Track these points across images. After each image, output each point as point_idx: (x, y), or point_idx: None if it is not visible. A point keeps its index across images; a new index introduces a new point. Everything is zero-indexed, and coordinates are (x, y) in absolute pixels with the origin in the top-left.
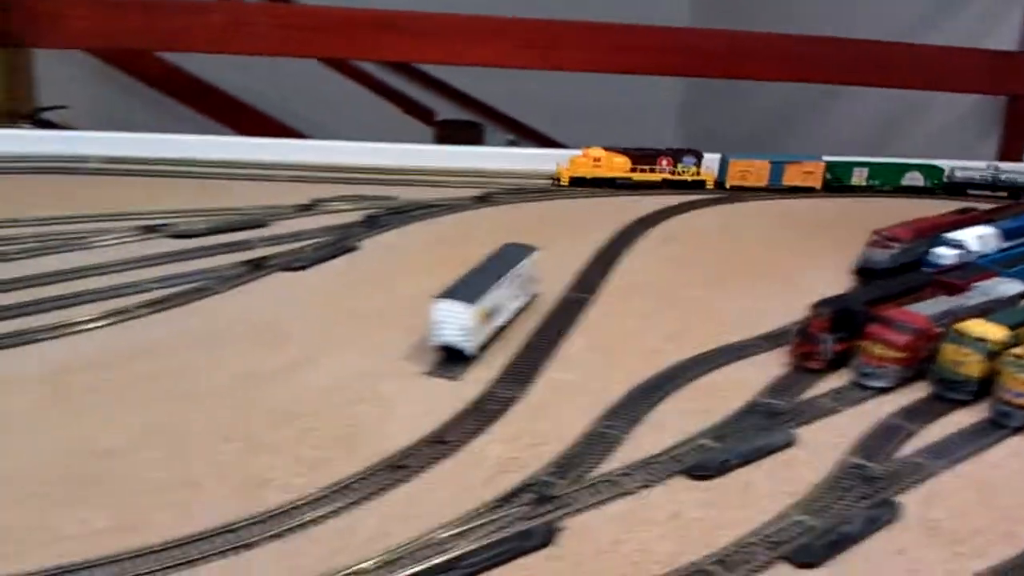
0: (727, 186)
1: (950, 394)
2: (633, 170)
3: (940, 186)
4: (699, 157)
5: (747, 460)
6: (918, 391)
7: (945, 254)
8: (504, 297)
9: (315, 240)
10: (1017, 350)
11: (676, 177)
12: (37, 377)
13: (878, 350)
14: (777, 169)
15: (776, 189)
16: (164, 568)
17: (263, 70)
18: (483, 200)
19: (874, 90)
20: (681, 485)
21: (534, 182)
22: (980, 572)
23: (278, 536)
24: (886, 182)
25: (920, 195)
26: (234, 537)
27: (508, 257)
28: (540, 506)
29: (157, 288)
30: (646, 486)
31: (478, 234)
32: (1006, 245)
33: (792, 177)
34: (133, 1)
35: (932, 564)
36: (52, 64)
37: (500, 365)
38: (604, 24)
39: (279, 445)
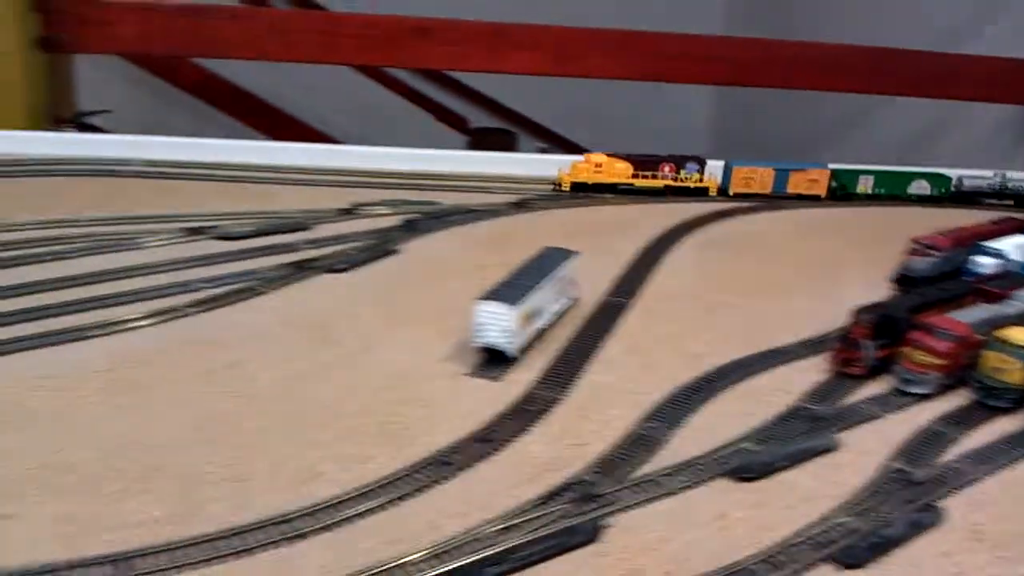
0: (730, 193)
1: (991, 401)
2: (635, 176)
3: (947, 195)
4: (702, 164)
5: (790, 463)
6: (959, 398)
7: (985, 263)
8: (545, 300)
9: (357, 243)
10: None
11: (679, 184)
12: (93, 372)
13: (920, 357)
14: (781, 176)
15: (781, 196)
16: (221, 556)
17: (296, 77)
18: (520, 206)
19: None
20: (725, 486)
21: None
22: None
23: (329, 527)
24: (892, 191)
25: (927, 204)
26: (288, 527)
27: (549, 261)
28: (584, 504)
29: (205, 288)
30: (690, 487)
31: (516, 238)
32: None
33: (796, 185)
34: (178, 8)
35: (976, 568)
36: (85, 69)
37: (541, 367)
38: (638, 32)
39: (328, 441)
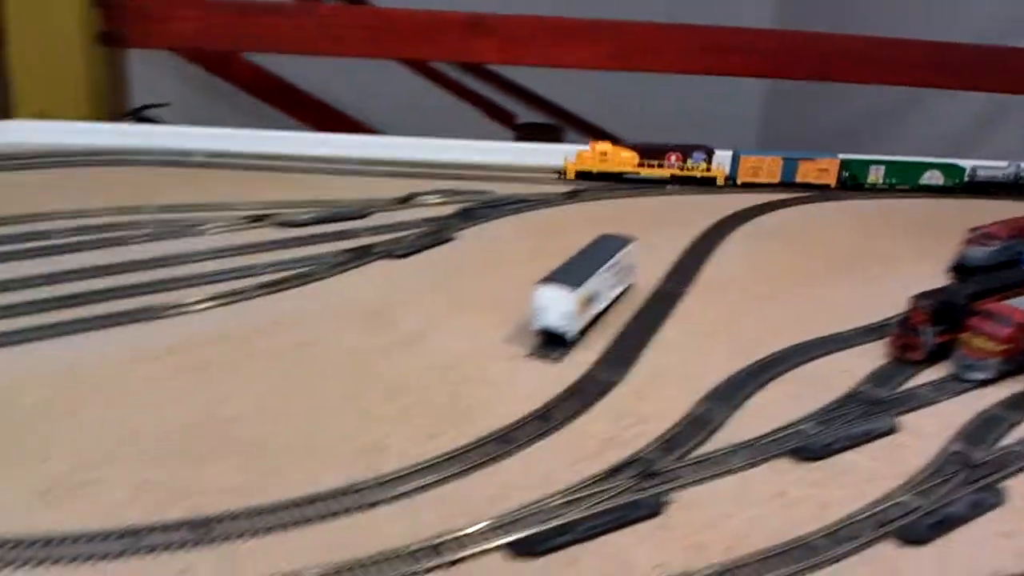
0: (738, 182)
1: None
2: (641, 165)
3: (961, 185)
4: (710, 153)
5: (851, 444)
6: (1019, 383)
7: None
8: (603, 284)
9: (414, 231)
10: None
11: (685, 173)
12: (164, 350)
13: (979, 343)
14: (790, 166)
15: (789, 185)
16: (295, 522)
17: (344, 73)
18: (572, 196)
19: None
20: (786, 466)
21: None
22: None
23: (399, 498)
24: (903, 181)
25: (942, 194)
26: (359, 497)
27: (606, 246)
28: (646, 480)
29: (269, 272)
30: (750, 466)
31: (569, 227)
32: None
33: (805, 174)
34: (232, 4)
35: None
36: (135, 64)
37: (599, 349)
38: (689, 26)
39: (393, 417)
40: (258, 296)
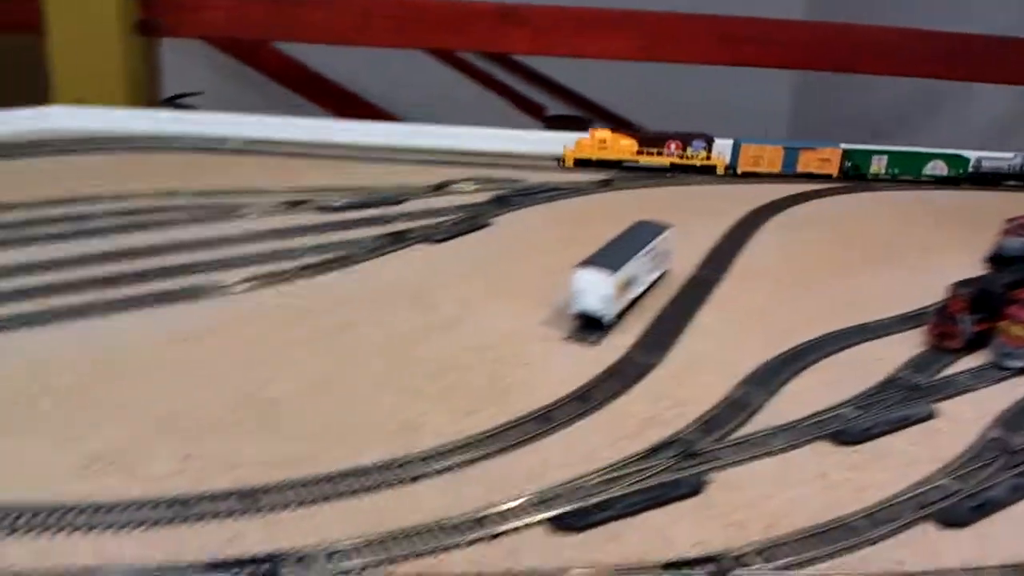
0: (738, 171)
1: None
2: (640, 153)
3: (965, 176)
4: (710, 142)
5: (889, 429)
6: None
7: None
8: (640, 269)
9: (449, 217)
10: None
11: (685, 161)
12: (206, 329)
13: (1017, 331)
14: (791, 155)
15: (790, 175)
16: (340, 495)
17: (373, 64)
18: (605, 184)
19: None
20: (825, 449)
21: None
22: None
23: (440, 473)
24: (906, 171)
25: (945, 185)
26: (401, 471)
27: (643, 232)
28: (686, 460)
29: (308, 255)
30: (789, 448)
31: (602, 215)
32: None
33: (807, 164)
34: None
35: None
36: (165, 52)
37: (636, 333)
38: (718, 16)
39: (433, 396)
40: (298, 278)
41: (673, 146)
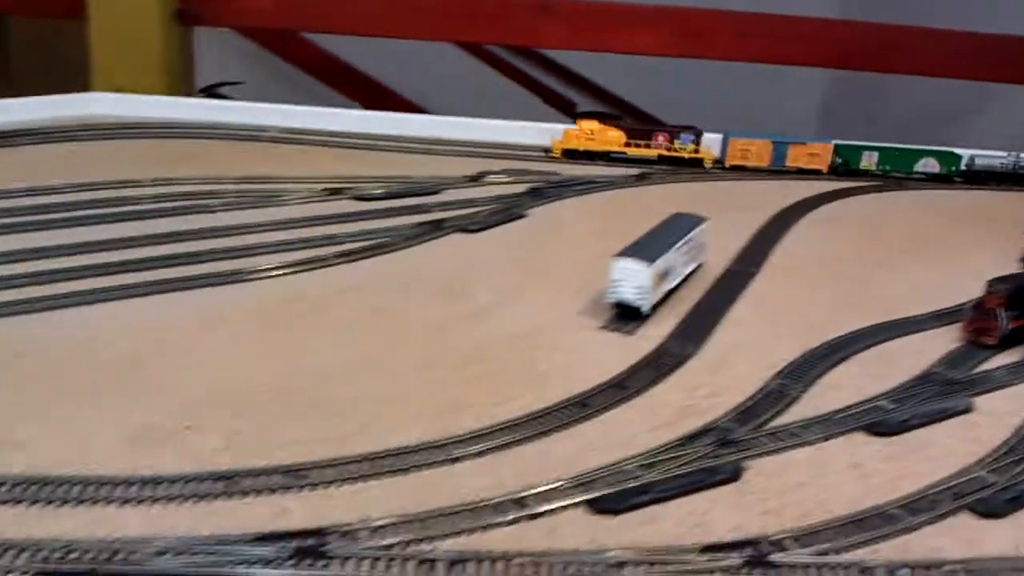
0: (726, 165)
1: None
2: (628, 144)
3: (957, 173)
4: (698, 135)
5: (926, 422)
6: None
7: None
8: (677, 261)
9: (485, 207)
10: None
11: (673, 154)
12: (252, 310)
13: None
14: (780, 150)
15: (779, 170)
16: (383, 473)
17: (402, 57)
18: (640, 179)
19: None
20: (860, 440)
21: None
22: None
23: (481, 454)
24: (897, 168)
25: (937, 182)
26: (441, 452)
27: (680, 225)
28: (722, 448)
29: (347, 242)
30: (826, 439)
31: (636, 208)
32: None
33: (796, 158)
34: None
35: None
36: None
37: (672, 324)
38: (752, 13)
39: (471, 380)
40: (338, 263)
41: (661, 138)
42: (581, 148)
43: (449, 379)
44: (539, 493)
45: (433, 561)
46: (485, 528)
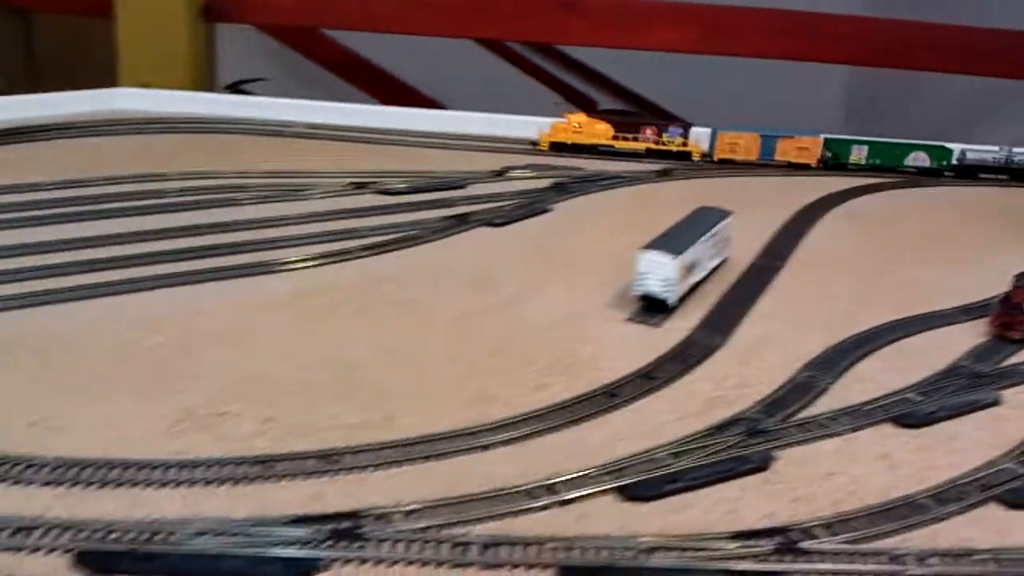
0: (715, 159)
1: None
2: (615, 138)
3: (948, 167)
4: (687, 128)
5: (954, 414)
6: None
7: None
8: (703, 254)
9: (510, 202)
10: None
11: (661, 147)
12: (282, 301)
13: None
14: (768, 143)
15: (768, 164)
16: (416, 459)
17: (422, 56)
18: (664, 174)
19: None
20: (888, 431)
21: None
22: None
23: (511, 442)
24: (887, 162)
25: (928, 176)
26: (472, 439)
27: (705, 219)
28: (751, 438)
29: (373, 235)
30: (854, 430)
31: (659, 204)
32: None
33: (785, 152)
34: None
35: None
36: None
37: (699, 316)
38: (777, 10)
39: (500, 369)
40: (365, 256)
41: (649, 132)
42: (568, 141)
43: (478, 369)
44: (570, 480)
45: (466, 544)
46: (516, 513)
